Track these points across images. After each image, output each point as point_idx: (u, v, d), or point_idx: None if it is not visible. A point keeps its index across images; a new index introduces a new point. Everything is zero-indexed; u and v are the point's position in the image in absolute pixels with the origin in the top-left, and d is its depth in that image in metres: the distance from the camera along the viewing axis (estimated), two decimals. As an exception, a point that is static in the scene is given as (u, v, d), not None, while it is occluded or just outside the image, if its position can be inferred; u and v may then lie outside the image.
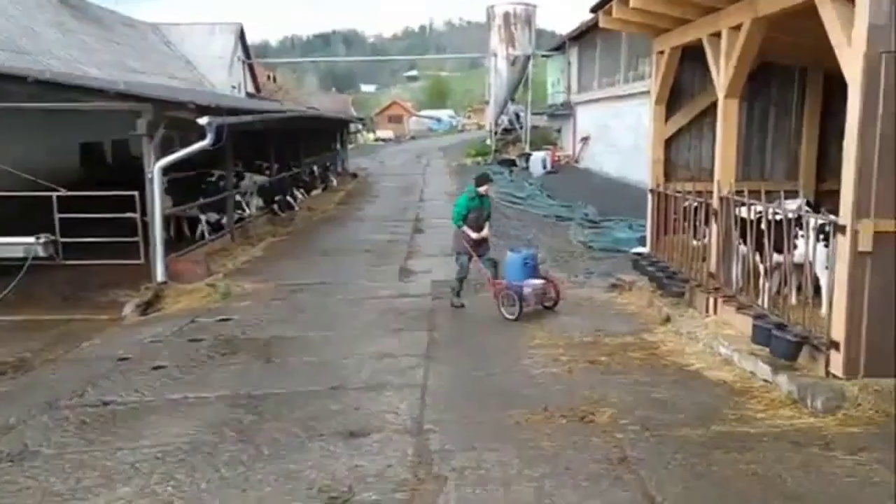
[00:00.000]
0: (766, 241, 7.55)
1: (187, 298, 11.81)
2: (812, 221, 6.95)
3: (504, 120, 39.18)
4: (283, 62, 61.56)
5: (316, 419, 6.36)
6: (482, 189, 10.27)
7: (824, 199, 10.81)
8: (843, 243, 6.02)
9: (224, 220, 16.48)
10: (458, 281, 10.59)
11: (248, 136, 19.42)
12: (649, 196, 10.84)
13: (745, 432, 5.68)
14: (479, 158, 36.97)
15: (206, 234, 15.69)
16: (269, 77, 44.97)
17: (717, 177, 8.47)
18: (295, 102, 40.48)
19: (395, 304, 11.17)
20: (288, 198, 20.51)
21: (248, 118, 14.79)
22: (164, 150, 12.26)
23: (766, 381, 6.60)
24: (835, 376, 6.03)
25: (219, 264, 14.01)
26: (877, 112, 5.71)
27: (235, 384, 7.43)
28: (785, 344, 6.27)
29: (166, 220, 14.89)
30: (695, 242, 9.13)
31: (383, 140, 60.10)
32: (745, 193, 7.87)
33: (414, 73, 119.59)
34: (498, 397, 6.87)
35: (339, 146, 32.50)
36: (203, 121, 11.90)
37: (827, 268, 7.31)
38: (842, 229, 6.00)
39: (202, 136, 12.13)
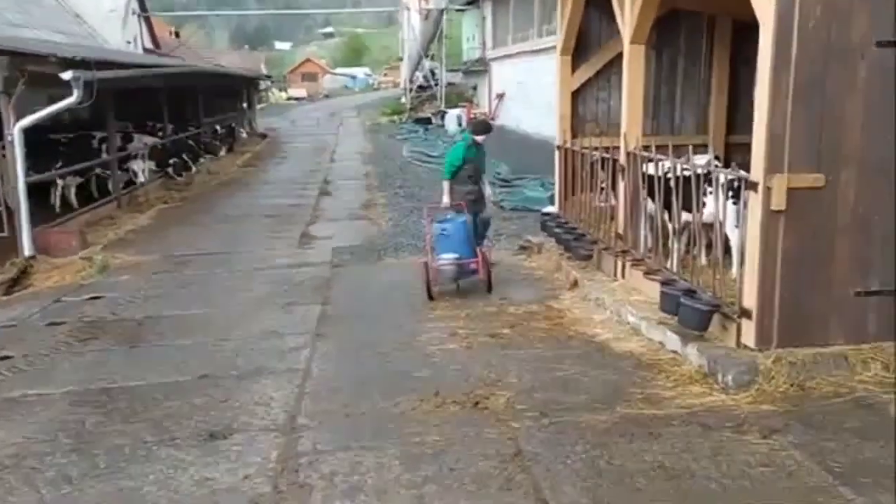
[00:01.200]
0: (674, 199, 6.97)
1: (59, 274, 10.59)
2: (721, 177, 6.36)
3: (419, 77, 38.04)
4: (188, 15, 58.34)
5: (173, 418, 5.47)
6: (480, 138, 9.13)
7: (735, 153, 10.37)
8: (754, 201, 5.43)
9: (110, 185, 15.14)
10: None
11: (138, 95, 17.93)
12: (556, 153, 10.17)
13: (652, 415, 5.08)
14: (395, 117, 35.85)
15: (74, 203, 14.23)
16: (170, 33, 42.33)
17: (623, 130, 7.83)
18: (200, 59, 38.26)
19: (291, 275, 10.28)
20: (186, 159, 19.11)
21: (126, 73, 13.39)
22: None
23: (675, 352, 6.04)
24: (747, 347, 5.48)
25: (100, 235, 12.76)
26: (790, 54, 5.09)
27: (89, 376, 6.44)
28: (694, 313, 5.68)
29: (45, 186, 13.56)
30: (601, 203, 8.52)
31: (296, 99, 57.78)
32: (653, 148, 7.24)
33: (330, 29, 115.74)
34: (387, 381, 6.11)
35: (246, 105, 30.84)
36: (67, 75, 10.58)
37: (737, 227, 6.79)
38: (753, 186, 5.40)
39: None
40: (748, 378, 5.17)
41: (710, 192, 7.29)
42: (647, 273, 6.85)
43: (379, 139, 29.49)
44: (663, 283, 6.26)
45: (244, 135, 28.17)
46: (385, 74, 69.24)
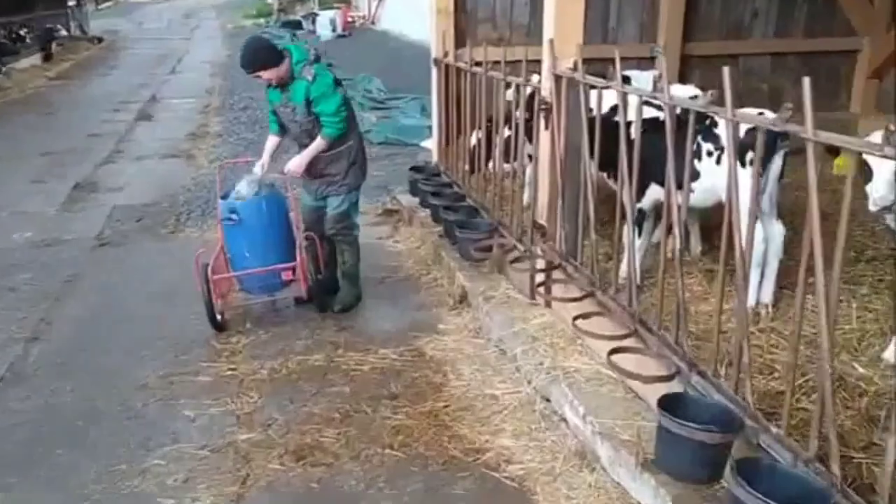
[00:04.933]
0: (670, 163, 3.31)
1: None
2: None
3: (289, -27, 32.47)
4: None
5: None
6: (262, 75, 4.60)
7: (693, 68, 6.91)
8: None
9: None
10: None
11: None
12: (433, 71, 6.31)
13: None
14: (261, 20, 30.46)
15: None
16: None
17: (548, 35, 4.05)
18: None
19: (23, 263, 6.24)
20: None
21: None
22: None
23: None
24: None
25: None
26: None
27: None
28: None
29: None
30: (505, 167, 4.81)
31: (149, -4, 49.28)
32: (618, 65, 3.51)
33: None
34: None
35: (73, 2, 24.82)
36: None
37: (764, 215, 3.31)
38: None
39: None
40: None
41: (710, 153, 3.78)
42: (615, 351, 3.11)
43: (237, 46, 24.36)
44: (667, 401, 2.61)
45: (68, 40, 22.51)
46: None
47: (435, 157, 6.53)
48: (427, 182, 5.79)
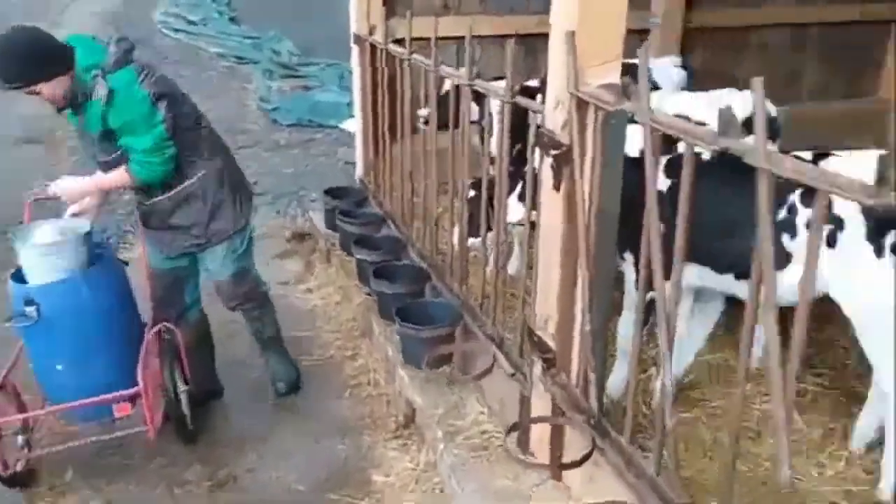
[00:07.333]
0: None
1: None
2: None
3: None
4: None
5: None
6: (35, 90, 2.63)
7: (697, 44, 5.22)
8: None
9: None
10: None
11: None
12: (354, 52, 4.37)
13: None
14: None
15: None
16: None
17: (561, 22, 2.21)
18: None
19: None
20: None
21: None
22: None
23: None
24: None
25: None
26: None
27: None
28: None
29: None
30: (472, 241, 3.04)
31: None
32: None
33: None
34: None
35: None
36: None
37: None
38: None
39: None
40: None
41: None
42: None
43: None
44: None
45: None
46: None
47: (359, 171, 4.62)
48: (349, 218, 3.89)
